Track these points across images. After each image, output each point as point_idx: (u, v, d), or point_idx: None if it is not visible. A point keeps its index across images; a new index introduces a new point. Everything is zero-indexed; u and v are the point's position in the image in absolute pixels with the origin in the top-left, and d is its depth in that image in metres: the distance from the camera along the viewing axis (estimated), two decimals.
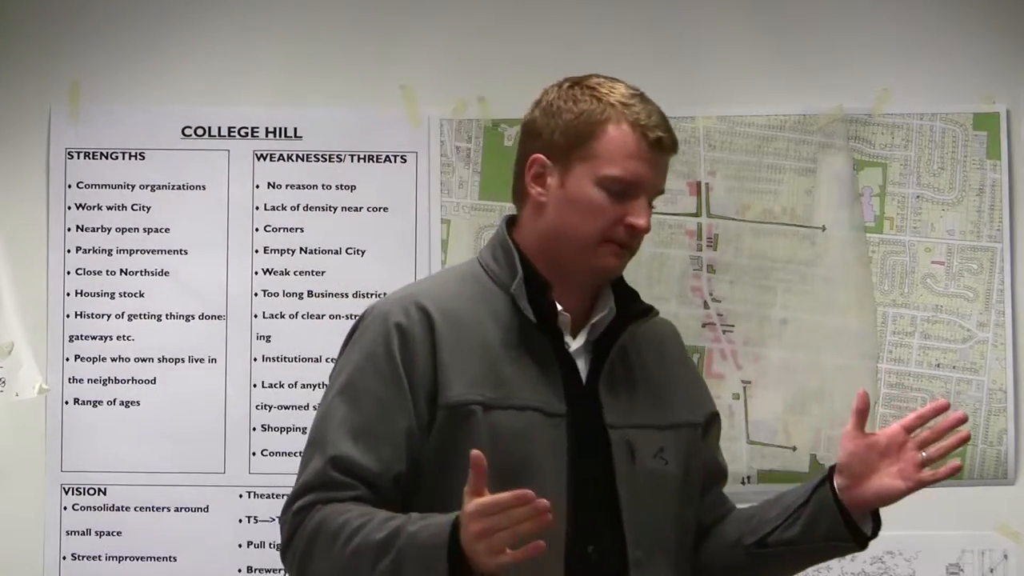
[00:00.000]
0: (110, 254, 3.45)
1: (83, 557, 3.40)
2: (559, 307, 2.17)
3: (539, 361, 2.14)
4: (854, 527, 2.22)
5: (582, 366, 2.18)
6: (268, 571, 3.40)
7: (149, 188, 3.47)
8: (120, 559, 3.40)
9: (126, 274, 3.45)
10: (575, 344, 2.19)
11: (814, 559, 2.31)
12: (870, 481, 2.23)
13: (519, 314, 2.15)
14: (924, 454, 2.24)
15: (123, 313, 3.44)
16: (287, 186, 3.48)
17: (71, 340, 3.43)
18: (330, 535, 2.04)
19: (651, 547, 2.15)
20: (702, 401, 2.33)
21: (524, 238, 2.21)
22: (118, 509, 3.41)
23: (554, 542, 2.03)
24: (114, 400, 3.43)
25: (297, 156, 3.48)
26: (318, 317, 3.44)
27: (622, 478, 2.12)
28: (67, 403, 3.42)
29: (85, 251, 3.45)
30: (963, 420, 2.25)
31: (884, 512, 3.41)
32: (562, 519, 2.07)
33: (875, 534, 2.27)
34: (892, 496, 2.24)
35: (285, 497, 2.17)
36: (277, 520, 2.19)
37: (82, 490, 3.41)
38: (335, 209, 3.47)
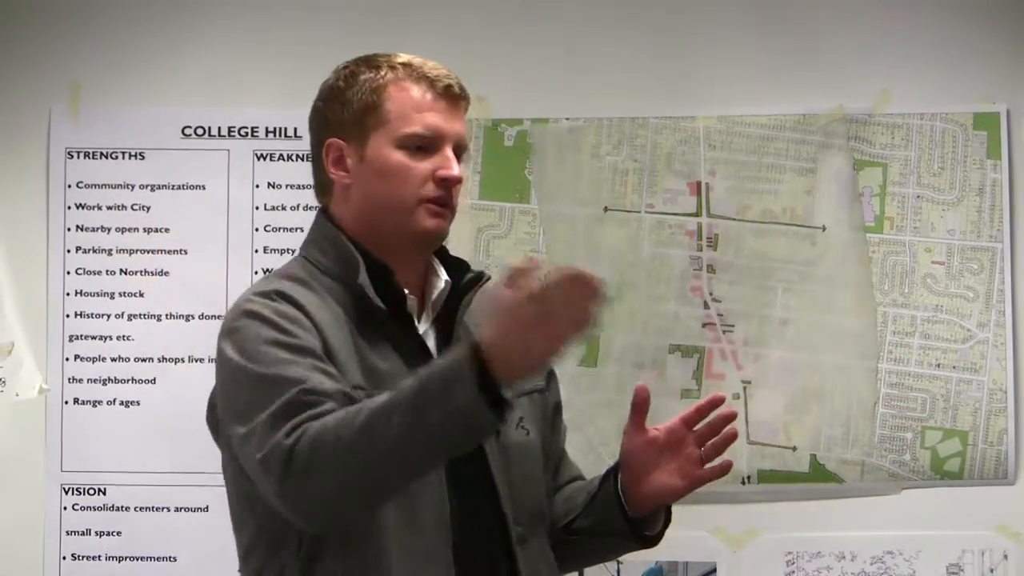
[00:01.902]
0: (110, 254, 3.45)
1: (83, 557, 3.40)
2: (406, 291, 2.12)
3: (398, 348, 2.09)
4: (634, 524, 2.17)
5: (431, 346, 2.14)
6: None
7: (149, 188, 3.47)
8: (120, 559, 3.40)
9: (126, 274, 3.45)
10: (422, 327, 2.15)
11: (608, 553, 2.29)
12: (651, 478, 2.15)
13: (366, 306, 2.09)
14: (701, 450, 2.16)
15: (123, 313, 3.44)
16: (287, 186, 3.48)
17: (71, 340, 3.44)
18: (332, 431, 1.89)
19: (530, 521, 2.13)
20: None
21: (344, 225, 2.16)
22: (118, 509, 3.41)
23: (439, 527, 2.03)
24: (114, 400, 3.43)
25: (297, 156, 3.48)
26: None
27: (492, 456, 2.09)
28: (67, 403, 3.42)
29: (85, 251, 3.45)
30: (731, 417, 2.14)
31: (884, 512, 3.44)
32: (444, 504, 2.04)
33: (661, 533, 2.21)
34: (672, 494, 2.16)
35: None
36: (259, 457, 1.99)
37: (82, 490, 3.41)
38: None
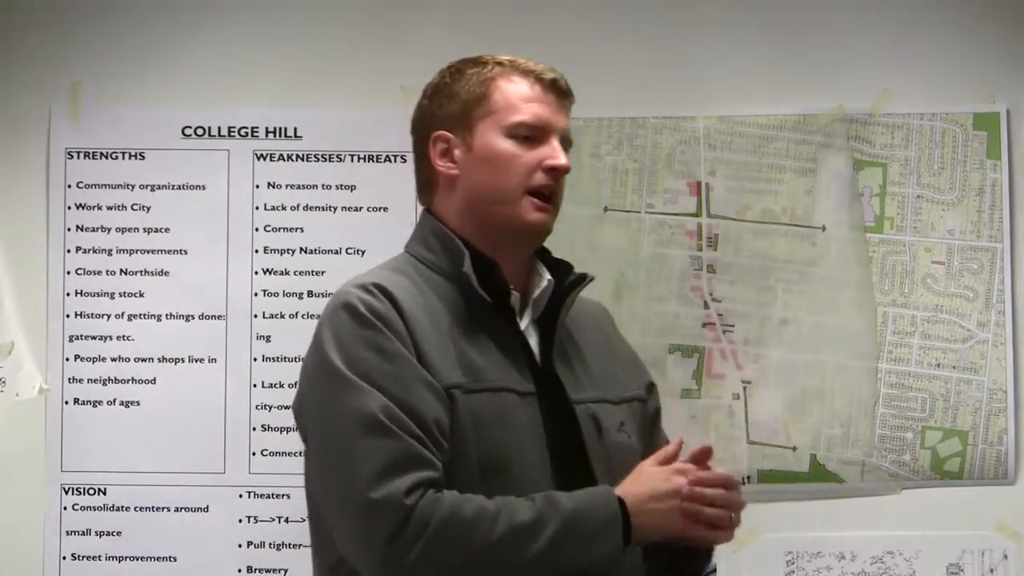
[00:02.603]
0: (110, 254, 3.45)
1: (83, 557, 3.40)
2: (511, 285, 2.14)
3: (499, 342, 2.11)
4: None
5: (533, 345, 2.16)
6: (268, 571, 3.40)
7: (149, 188, 3.47)
8: (120, 559, 3.40)
9: (126, 274, 3.45)
10: (523, 323, 2.17)
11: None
12: None
13: (469, 298, 2.12)
14: None
15: (123, 313, 3.44)
16: (287, 186, 3.48)
17: (71, 340, 3.44)
18: (468, 523, 1.95)
19: None
20: (641, 373, 2.32)
21: (448, 221, 2.18)
22: (118, 509, 3.41)
23: None
24: (114, 400, 3.43)
25: (297, 156, 3.48)
26: (318, 317, 3.43)
27: (593, 453, 2.11)
28: (67, 403, 3.42)
29: (85, 251, 3.45)
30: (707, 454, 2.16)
31: (884, 511, 3.44)
32: None
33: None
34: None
35: (358, 487, 1.99)
36: (366, 501, 1.96)
37: (82, 490, 3.41)
38: (335, 209, 3.47)
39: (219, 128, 3.48)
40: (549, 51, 3.45)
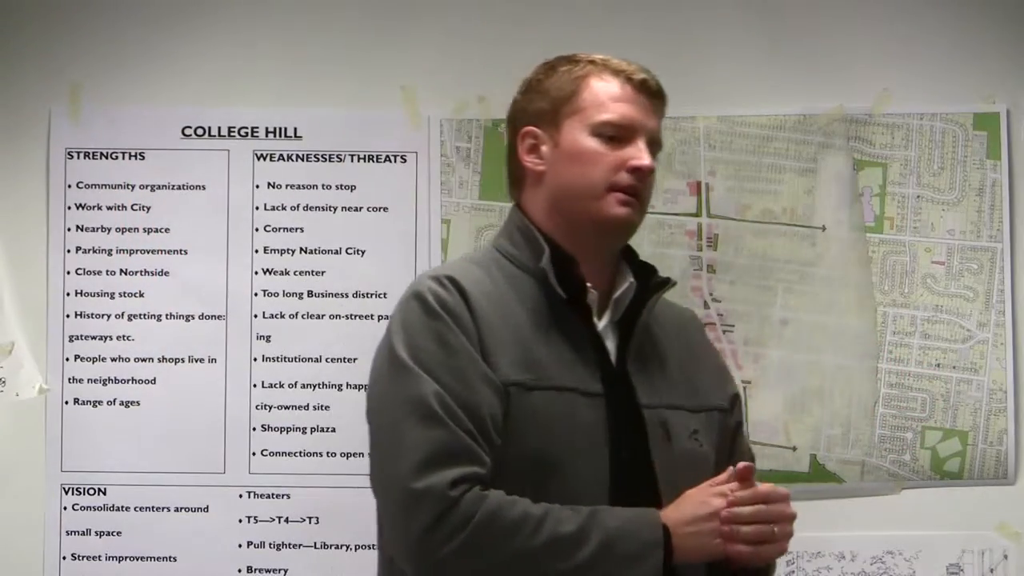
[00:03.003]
0: (110, 254, 3.45)
1: (83, 557, 3.40)
2: (588, 283, 2.14)
3: (571, 341, 2.11)
4: None
5: (609, 346, 2.15)
6: (268, 571, 3.40)
7: (149, 188, 3.47)
8: (120, 559, 3.40)
9: (126, 274, 3.45)
10: (600, 324, 2.16)
11: None
12: None
13: (547, 294, 2.12)
14: None
15: (123, 313, 3.44)
16: (287, 186, 3.48)
17: (71, 340, 3.43)
18: (510, 526, 1.96)
19: None
20: (726, 384, 2.31)
21: (534, 217, 2.19)
22: (118, 509, 3.41)
23: None
24: (114, 400, 3.43)
25: (297, 156, 3.48)
26: (318, 317, 3.44)
27: (658, 459, 2.10)
28: (67, 403, 3.42)
29: (85, 251, 3.45)
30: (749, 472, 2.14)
31: (884, 512, 3.44)
32: (605, 502, 2.06)
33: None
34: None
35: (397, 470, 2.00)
36: (408, 489, 1.96)
37: (82, 490, 3.41)
38: (335, 209, 3.47)
39: (219, 128, 3.48)
40: (549, 51, 3.45)
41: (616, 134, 2.15)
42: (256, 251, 3.46)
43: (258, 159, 3.48)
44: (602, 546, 1.96)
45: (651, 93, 2.19)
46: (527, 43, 3.46)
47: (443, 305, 2.06)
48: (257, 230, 3.47)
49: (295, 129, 3.48)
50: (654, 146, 2.20)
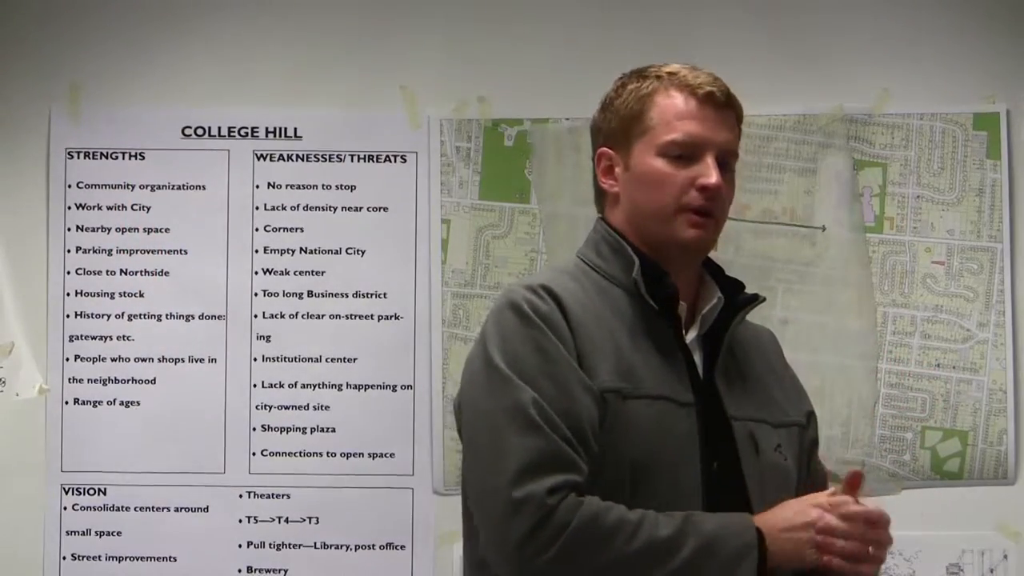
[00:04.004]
0: (110, 254, 3.45)
1: (83, 557, 3.40)
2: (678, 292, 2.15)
3: (662, 350, 2.12)
4: None
5: (697, 359, 2.16)
6: (268, 571, 3.40)
7: (149, 188, 3.47)
8: (120, 559, 3.40)
9: (126, 274, 3.45)
10: (688, 337, 2.17)
11: None
12: None
13: (638, 305, 2.13)
14: None
15: (123, 313, 3.44)
16: (287, 186, 3.48)
17: (71, 340, 3.43)
18: (608, 532, 1.97)
19: None
20: (802, 401, 2.32)
21: (620, 230, 2.19)
22: (118, 509, 3.41)
23: None
24: (114, 400, 3.43)
25: (297, 156, 3.48)
26: (318, 317, 3.44)
27: (749, 470, 2.11)
28: (67, 403, 3.42)
29: (85, 251, 3.45)
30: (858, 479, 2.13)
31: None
32: (698, 510, 2.06)
33: None
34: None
35: (463, 484, 2.08)
36: (508, 497, 1.97)
37: (82, 490, 3.41)
38: (335, 209, 3.47)
39: (219, 128, 3.48)
40: (548, 52, 3.47)
41: (684, 152, 2.14)
42: (256, 251, 3.46)
43: (258, 159, 3.48)
44: (699, 550, 1.97)
45: (718, 105, 2.17)
46: (527, 43, 3.48)
47: (539, 313, 2.07)
48: (257, 230, 3.47)
49: (295, 129, 3.48)
50: (728, 157, 2.18)
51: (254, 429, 3.42)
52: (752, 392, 2.20)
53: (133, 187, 3.47)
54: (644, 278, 2.12)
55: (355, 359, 3.41)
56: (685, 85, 2.16)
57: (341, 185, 3.47)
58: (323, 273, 3.46)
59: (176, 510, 3.40)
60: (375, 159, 3.48)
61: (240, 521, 3.41)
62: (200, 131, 3.48)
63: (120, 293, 3.45)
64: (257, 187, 3.48)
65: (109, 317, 3.44)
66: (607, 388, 2.05)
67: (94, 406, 3.43)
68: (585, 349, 2.07)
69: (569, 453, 1.99)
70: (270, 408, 3.43)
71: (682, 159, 2.14)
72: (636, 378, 2.08)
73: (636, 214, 2.16)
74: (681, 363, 2.13)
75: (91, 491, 3.41)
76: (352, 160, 3.48)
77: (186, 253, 3.46)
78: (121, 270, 3.46)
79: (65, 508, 3.41)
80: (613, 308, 2.13)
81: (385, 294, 3.43)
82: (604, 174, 2.20)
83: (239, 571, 3.41)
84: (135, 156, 3.48)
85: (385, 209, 3.47)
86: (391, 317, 3.43)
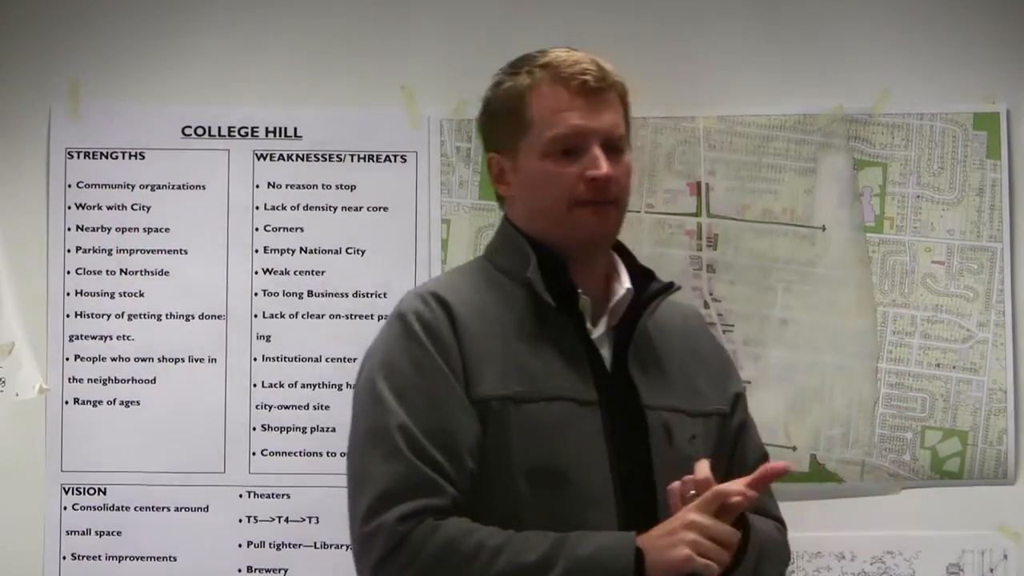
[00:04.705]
0: (110, 254, 3.45)
1: (83, 557, 3.40)
2: (579, 290, 2.11)
3: (563, 348, 2.08)
4: None
5: (606, 354, 2.12)
6: (268, 571, 3.40)
7: (149, 188, 3.47)
8: (120, 559, 3.40)
9: (126, 274, 3.45)
10: (597, 331, 2.13)
11: None
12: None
13: (537, 302, 2.09)
14: None
15: (123, 313, 3.44)
16: (287, 186, 3.48)
17: (71, 340, 3.43)
18: (464, 556, 1.94)
19: None
20: (728, 384, 2.27)
21: (521, 226, 2.17)
22: (118, 509, 3.41)
23: (608, 525, 2.02)
24: (114, 400, 3.43)
25: (297, 156, 3.48)
26: (318, 317, 3.44)
27: (659, 463, 2.06)
28: (67, 403, 3.42)
29: (85, 251, 3.45)
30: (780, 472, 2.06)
31: (884, 512, 3.44)
32: (612, 511, 2.03)
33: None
34: None
35: (359, 510, 2.02)
36: (360, 531, 2.00)
37: (82, 490, 3.41)
38: (335, 209, 3.47)
39: (219, 128, 3.48)
40: None
41: (568, 146, 2.10)
42: (256, 251, 3.46)
43: (258, 159, 3.48)
44: (568, 575, 1.92)
45: (595, 91, 2.11)
46: (527, 43, 3.46)
47: (424, 325, 2.05)
48: (257, 230, 3.47)
49: (295, 129, 3.48)
50: (616, 141, 2.13)
51: (254, 429, 3.42)
52: (671, 380, 2.16)
53: (133, 187, 3.47)
54: (544, 274, 2.09)
55: (355, 359, 3.37)
56: (558, 77, 2.11)
57: (341, 185, 3.47)
58: (323, 273, 3.46)
59: (176, 510, 3.40)
60: (375, 159, 3.48)
61: (240, 521, 3.41)
62: (200, 131, 3.48)
63: (120, 293, 3.45)
64: (257, 187, 3.48)
65: (109, 317, 3.44)
66: (496, 395, 2.02)
67: (94, 406, 3.43)
68: (473, 356, 2.03)
69: (430, 477, 1.96)
70: (270, 408, 3.43)
71: (568, 153, 2.10)
72: (534, 380, 2.04)
73: (533, 214, 2.13)
74: (584, 359, 2.08)
75: (91, 491, 3.41)
76: (352, 160, 3.48)
77: (186, 253, 3.46)
78: (121, 270, 3.46)
79: (65, 508, 3.41)
80: (511, 308, 2.10)
81: (385, 294, 3.43)
82: (496, 180, 2.18)
83: (239, 571, 3.41)
84: (135, 156, 3.48)
85: (385, 209, 3.47)
86: None
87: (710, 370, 2.25)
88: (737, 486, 1.98)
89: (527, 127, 2.12)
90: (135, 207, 3.47)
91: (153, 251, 3.46)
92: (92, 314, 3.44)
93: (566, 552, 1.93)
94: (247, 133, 3.48)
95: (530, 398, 2.04)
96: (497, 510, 1.99)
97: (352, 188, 3.47)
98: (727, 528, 1.95)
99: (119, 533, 3.41)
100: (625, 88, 2.18)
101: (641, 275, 2.20)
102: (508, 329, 2.08)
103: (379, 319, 3.40)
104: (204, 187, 3.47)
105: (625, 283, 2.16)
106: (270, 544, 3.40)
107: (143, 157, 3.48)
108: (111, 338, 3.44)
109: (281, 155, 3.48)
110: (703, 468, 2.00)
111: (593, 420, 2.06)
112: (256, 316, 3.44)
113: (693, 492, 1.98)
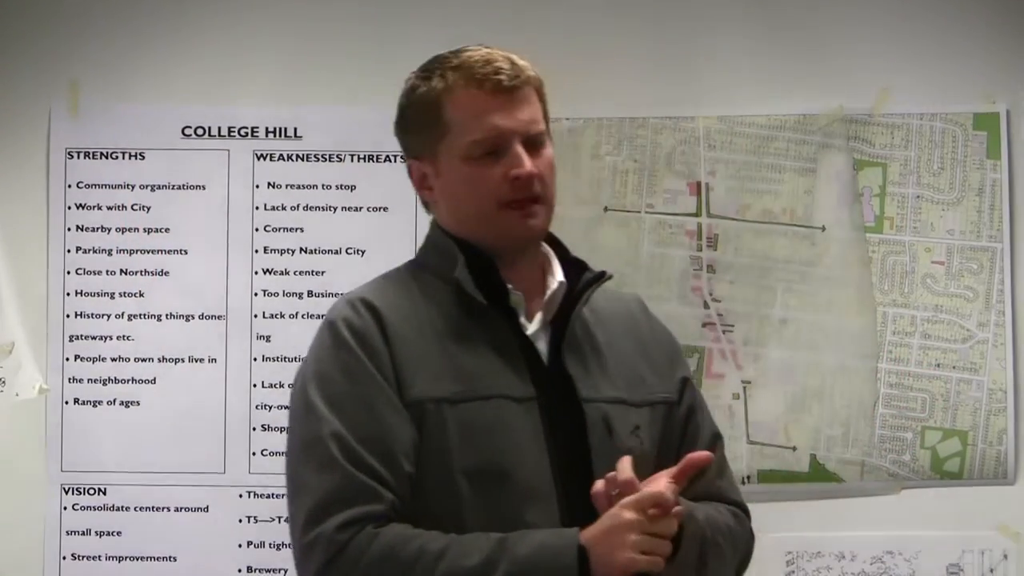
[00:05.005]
0: (110, 254, 3.46)
1: (83, 557, 3.40)
2: (509, 285, 2.08)
3: (496, 346, 2.06)
4: None
5: (543, 348, 2.09)
6: (268, 571, 3.40)
7: (149, 188, 3.47)
8: (120, 559, 3.40)
9: (126, 274, 3.45)
10: (532, 327, 2.10)
11: None
12: None
13: (467, 301, 2.06)
14: None
15: (123, 313, 3.44)
16: (287, 186, 3.48)
17: (71, 340, 3.44)
18: (405, 563, 1.92)
19: None
20: (675, 370, 2.23)
21: (449, 227, 2.13)
22: (118, 509, 3.41)
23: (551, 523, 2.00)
24: (114, 400, 3.43)
25: (297, 156, 3.48)
26: (318, 317, 3.41)
27: (598, 457, 2.03)
28: (67, 403, 3.42)
29: (85, 251, 3.45)
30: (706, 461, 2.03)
31: (884, 512, 3.45)
32: (553, 508, 2.01)
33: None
34: None
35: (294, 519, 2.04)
36: (300, 542, 2.00)
37: (82, 490, 3.41)
38: (335, 209, 3.47)
39: (219, 128, 3.48)
40: (549, 51, 3.45)
41: (489, 149, 2.07)
42: (256, 251, 3.46)
43: (258, 159, 3.48)
44: None
45: (510, 89, 2.07)
46: (527, 43, 3.47)
47: (353, 331, 2.03)
48: (257, 230, 3.47)
49: (295, 129, 3.48)
50: (537, 137, 2.10)
51: (254, 429, 3.42)
52: (611, 371, 2.13)
53: (133, 187, 3.47)
54: (472, 272, 2.07)
55: None
56: (472, 79, 2.07)
57: (341, 185, 3.47)
58: (323, 273, 3.46)
59: (176, 510, 3.40)
60: (375, 159, 3.48)
61: (240, 521, 3.41)
62: (200, 131, 3.48)
63: (120, 293, 3.45)
64: (257, 187, 3.48)
65: (109, 317, 3.44)
66: (430, 397, 2.00)
67: (94, 406, 3.43)
68: (404, 360, 2.01)
69: (367, 484, 1.95)
70: (270, 408, 3.43)
71: (490, 155, 2.07)
72: (469, 380, 2.02)
73: (460, 217, 2.10)
74: (519, 356, 2.06)
75: (91, 491, 3.41)
76: (352, 160, 3.48)
77: (186, 253, 3.46)
78: (121, 270, 3.46)
79: (65, 508, 3.41)
80: (441, 310, 2.07)
81: None
82: (420, 186, 2.15)
83: (239, 571, 3.41)
84: (135, 156, 3.48)
85: (385, 209, 3.47)
86: None
87: (655, 357, 2.21)
88: (663, 482, 1.97)
89: (445, 132, 2.09)
90: (135, 207, 3.47)
91: (153, 251, 3.46)
92: (92, 314, 3.44)
93: (507, 553, 1.91)
94: (247, 133, 3.48)
95: (465, 398, 2.02)
96: (438, 512, 1.98)
97: (352, 188, 3.47)
98: (664, 521, 1.93)
99: (119, 533, 3.41)
100: (540, 81, 2.15)
101: (573, 266, 2.17)
102: (440, 330, 2.06)
103: None
104: (204, 187, 3.47)
105: (558, 276, 2.14)
106: (270, 544, 3.40)
107: (143, 157, 3.48)
108: (111, 338, 3.44)
109: (281, 155, 3.48)
110: (625, 468, 1.97)
111: (531, 417, 2.03)
112: (256, 316, 3.44)
113: (617, 491, 1.95)
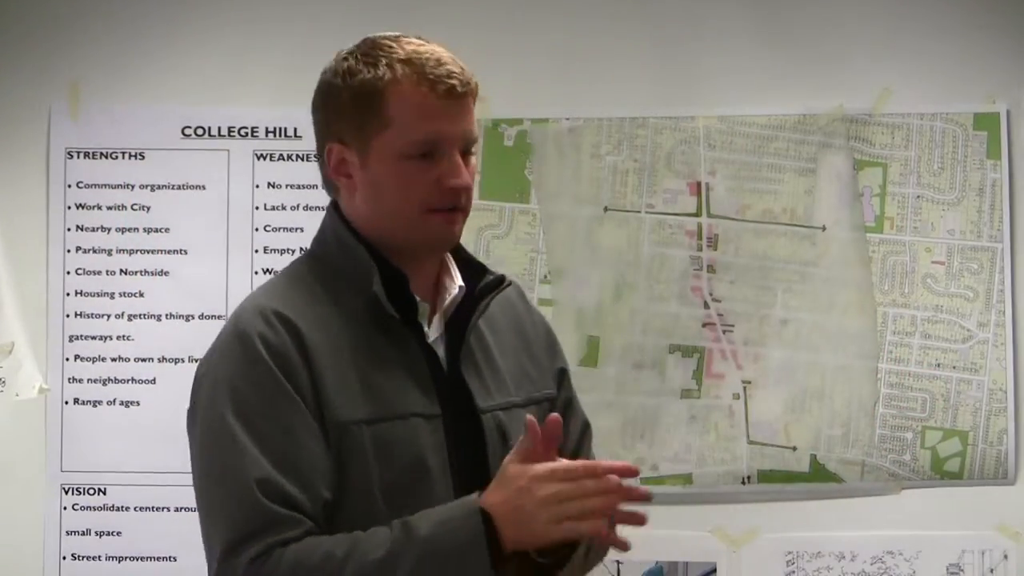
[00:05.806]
0: (110, 254, 3.45)
1: (83, 557, 3.40)
2: (417, 298, 2.05)
3: (406, 362, 2.02)
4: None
5: (441, 355, 2.07)
6: None
7: (149, 188, 3.47)
8: (120, 559, 3.40)
9: (126, 274, 3.45)
10: (432, 334, 2.07)
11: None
12: None
13: (379, 315, 2.02)
14: None
15: (123, 313, 3.44)
16: (287, 186, 3.48)
17: (71, 340, 3.43)
18: (313, 570, 1.88)
19: None
20: (554, 361, 2.21)
21: (355, 223, 2.08)
22: (118, 509, 3.41)
23: None
24: (114, 400, 3.43)
25: (297, 156, 3.48)
26: None
27: (494, 466, 1.99)
28: (67, 403, 3.42)
29: (85, 251, 3.45)
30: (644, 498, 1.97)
31: (884, 512, 3.44)
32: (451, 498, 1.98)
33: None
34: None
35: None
36: (216, 571, 1.95)
37: (82, 490, 3.41)
38: None
39: (219, 128, 3.48)
40: (549, 51, 3.47)
41: (426, 152, 2.02)
42: (256, 251, 3.46)
43: (258, 159, 3.48)
44: (420, 559, 1.87)
45: (459, 96, 2.04)
46: (527, 43, 3.48)
47: (269, 349, 1.97)
48: (257, 230, 3.47)
49: (295, 129, 3.48)
50: (470, 146, 2.07)
51: None
52: (504, 373, 2.11)
53: (133, 187, 3.47)
54: (385, 285, 2.02)
55: None
56: (424, 78, 2.03)
57: None
58: None
59: (176, 510, 3.40)
60: None
61: None
62: (200, 131, 3.48)
63: (120, 293, 3.45)
64: (257, 187, 3.48)
65: (109, 317, 3.44)
66: (352, 419, 1.97)
67: (94, 406, 3.43)
68: (324, 380, 1.97)
69: (281, 515, 1.90)
70: None
71: (424, 156, 2.02)
72: (382, 399, 1.99)
73: (378, 215, 2.05)
74: (426, 371, 2.03)
75: (91, 491, 3.41)
76: None
77: (186, 253, 3.46)
78: (121, 270, 3.46)
79: (65, 508, 3.41)
80: (353, 322, 2.02)
81: None
82: (335, 171, 2.09)
83: None
84: (135, 156, 3.48)
85: None
86: None
87: (535, 352, 2.19)
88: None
89: (384, 126, 2.03)
90: (135, 207, 3.47)
91: (153, 251, 3.46)
92: (92, 314, 3.44)
93: (412, 535, 1.88)
94: (247, 133, 3.48)
95: (382, 417, 1.98)
96: (359, 530, 1.94)
97: None
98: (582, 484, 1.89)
99: (119, 533, 3.41)
100: (477, 87, 2.11)
101: (467, 265, 2.13)
102: (354, 346, 2.01)
103: None
104: (204, 187, 3.47)
105: (457, 280, 2.11)
106: None
107: (143, 157, 3.48)
108: (111, 338, 3.44)
109: (281, 155, 3.48)
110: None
111: (437, 435, 2.02)
112: None
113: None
